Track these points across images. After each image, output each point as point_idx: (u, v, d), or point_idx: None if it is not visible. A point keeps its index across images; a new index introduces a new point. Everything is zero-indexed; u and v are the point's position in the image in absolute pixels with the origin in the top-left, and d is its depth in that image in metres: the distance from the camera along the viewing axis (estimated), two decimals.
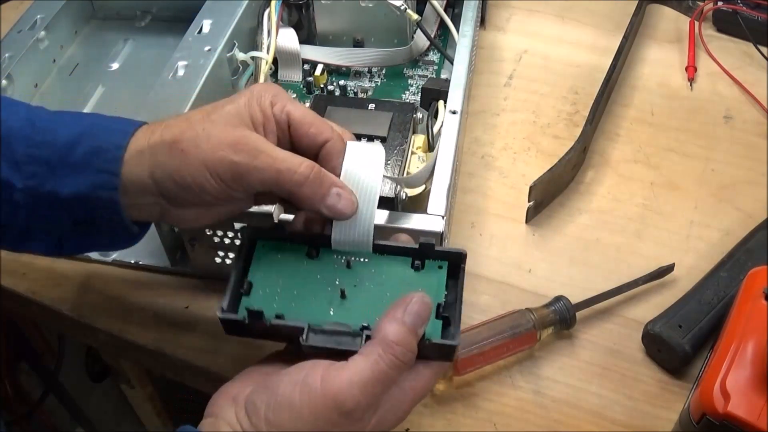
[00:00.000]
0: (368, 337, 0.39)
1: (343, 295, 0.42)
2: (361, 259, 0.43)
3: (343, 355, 0.38)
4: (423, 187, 0.57)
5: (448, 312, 0.41)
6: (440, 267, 0.43)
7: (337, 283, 0.42)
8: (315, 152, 0.43)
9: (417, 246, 0.43)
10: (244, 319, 0.40)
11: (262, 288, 0.42)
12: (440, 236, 0.49)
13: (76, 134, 0.42)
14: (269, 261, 0.43)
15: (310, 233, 0.44)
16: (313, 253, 0.43)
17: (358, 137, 0.60)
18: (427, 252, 0.43)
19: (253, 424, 0.37)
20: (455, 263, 0.43)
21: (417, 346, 0.39)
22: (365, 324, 0.40)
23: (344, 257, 0.43)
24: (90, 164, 0.41)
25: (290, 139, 0.43)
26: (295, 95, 0.71)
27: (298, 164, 0.40)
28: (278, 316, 0.41)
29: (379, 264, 0.43)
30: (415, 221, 0.50)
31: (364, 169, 0.43)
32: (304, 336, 0.39)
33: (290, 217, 0.47)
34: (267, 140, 0.42)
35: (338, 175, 0.42)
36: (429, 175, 0.54)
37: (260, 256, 0.43)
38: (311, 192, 0.41)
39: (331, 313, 0.41)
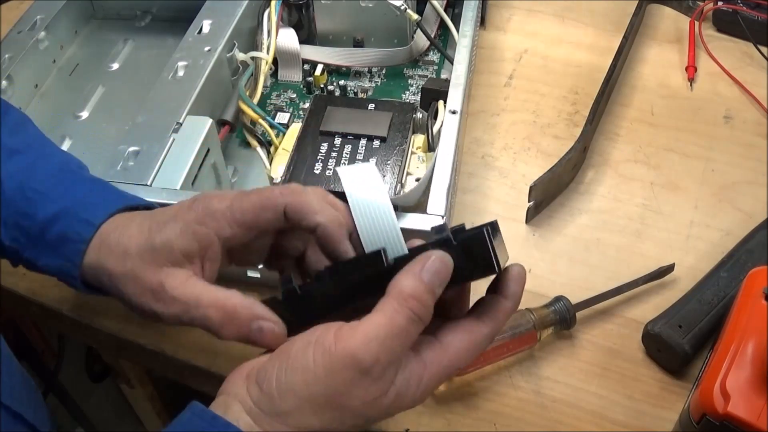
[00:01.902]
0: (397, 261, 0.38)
1: None
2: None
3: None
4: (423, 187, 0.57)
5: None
6: None
7: None
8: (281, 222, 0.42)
9: (450, 235, 0.41)
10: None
11: None
12: None
13: (52, 214, 0.44)
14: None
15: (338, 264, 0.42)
16: None
17: (358, 137, 0.60)
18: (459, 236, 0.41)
19: (264, 393, 0.36)
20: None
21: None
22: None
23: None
24: (58, 249, 0.44)
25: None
26: (295, 95, 0.71)
27: (208, 309, 0.40)
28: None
29: None
30: (415, 221, 0.50)
31: (364, 186, 0.43)
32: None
33: None
34: (191, 278, 0.41)
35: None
36: (423, 191, 0.54)
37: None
38: (231, 333, 0.40)
39: None
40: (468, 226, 0.40)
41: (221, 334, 0.40)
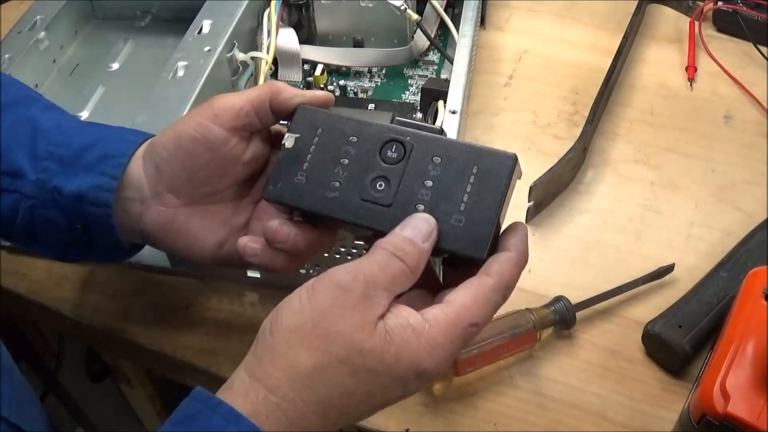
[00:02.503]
0: None
1: None
2: None
3: None
4: None
5: None
6: None
7: None
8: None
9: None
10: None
11: None
12: None
13: (91, 140, 0.46)
14: None
15: None
16: None
17: None
18: None
19: (257, 342, 0.36)
20: None
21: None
22: None
23: None
24: (96, 167, 0.45)
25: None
26: None
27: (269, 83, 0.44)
28: None
29: None
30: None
31: None
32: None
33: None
34: None
35: None
36: None
37: None
38: (290, 92, 0.43)
39: None
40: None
41: (277, 85, 0.43)
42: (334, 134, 0.41)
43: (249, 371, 0.36)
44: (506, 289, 0.38)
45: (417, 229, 0.37)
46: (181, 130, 0.44)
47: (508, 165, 0.38)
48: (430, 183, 0.39)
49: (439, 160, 0.39)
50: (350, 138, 0.41)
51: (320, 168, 0.41)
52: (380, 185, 0.39)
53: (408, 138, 0.40)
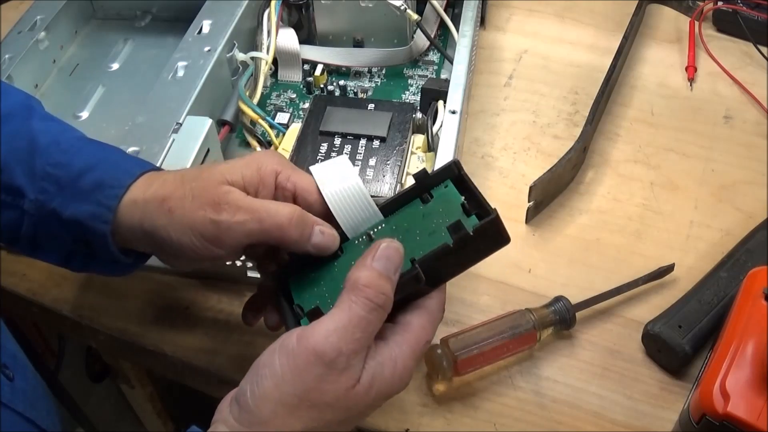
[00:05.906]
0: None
1: None
2: (378, 228, 0.44)
3: None
4: None
5: (471, 205, 0.42)
6: (446, 186, 0.44)
7: None
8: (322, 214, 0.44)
9: (414, 183, 0.44)
10: None
11: (312, 304, 0.42)
12: None
13: (89, 163, 0.45)
14: (306, 283, 0.44)
15: None
16: (339, 253, 0.44)
17: (358, 137, 0.61)
18: (424, 180, 0.44)
19: (242, 408, 0.36)
20: (456, 175, 0.44)
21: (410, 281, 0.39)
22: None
23: (364, 235, 0.44)
24: (92, 194, 0.44)
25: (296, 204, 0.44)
26: (294, 95, 0.71)
27: (278, 211, 0.41)
28: None
29: (394, 221, 0.44)
30: None
31: (336, 173, 0.45)
32: None
33: None
34: (249, 196, 0.43)
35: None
36: None
37: (296, 286, 0.44)
38: (297, 234, 0.41)
39: None
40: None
41: (285, 235, 0.41)
42: None
43: None
44: (444, 303, 0.42)
45: (389, 260, 0.39)
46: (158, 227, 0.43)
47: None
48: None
49: None
50: None
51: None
52: None
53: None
